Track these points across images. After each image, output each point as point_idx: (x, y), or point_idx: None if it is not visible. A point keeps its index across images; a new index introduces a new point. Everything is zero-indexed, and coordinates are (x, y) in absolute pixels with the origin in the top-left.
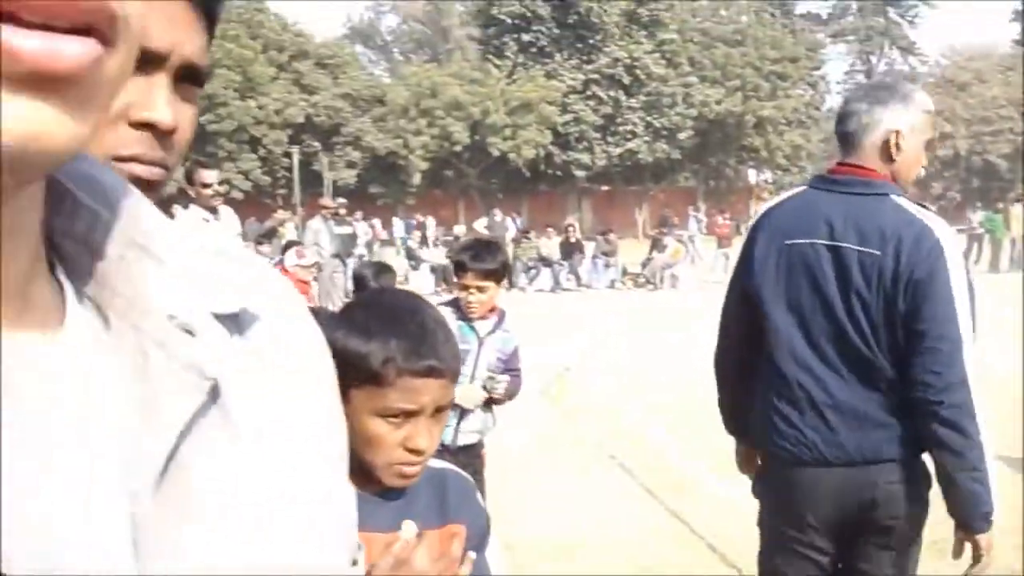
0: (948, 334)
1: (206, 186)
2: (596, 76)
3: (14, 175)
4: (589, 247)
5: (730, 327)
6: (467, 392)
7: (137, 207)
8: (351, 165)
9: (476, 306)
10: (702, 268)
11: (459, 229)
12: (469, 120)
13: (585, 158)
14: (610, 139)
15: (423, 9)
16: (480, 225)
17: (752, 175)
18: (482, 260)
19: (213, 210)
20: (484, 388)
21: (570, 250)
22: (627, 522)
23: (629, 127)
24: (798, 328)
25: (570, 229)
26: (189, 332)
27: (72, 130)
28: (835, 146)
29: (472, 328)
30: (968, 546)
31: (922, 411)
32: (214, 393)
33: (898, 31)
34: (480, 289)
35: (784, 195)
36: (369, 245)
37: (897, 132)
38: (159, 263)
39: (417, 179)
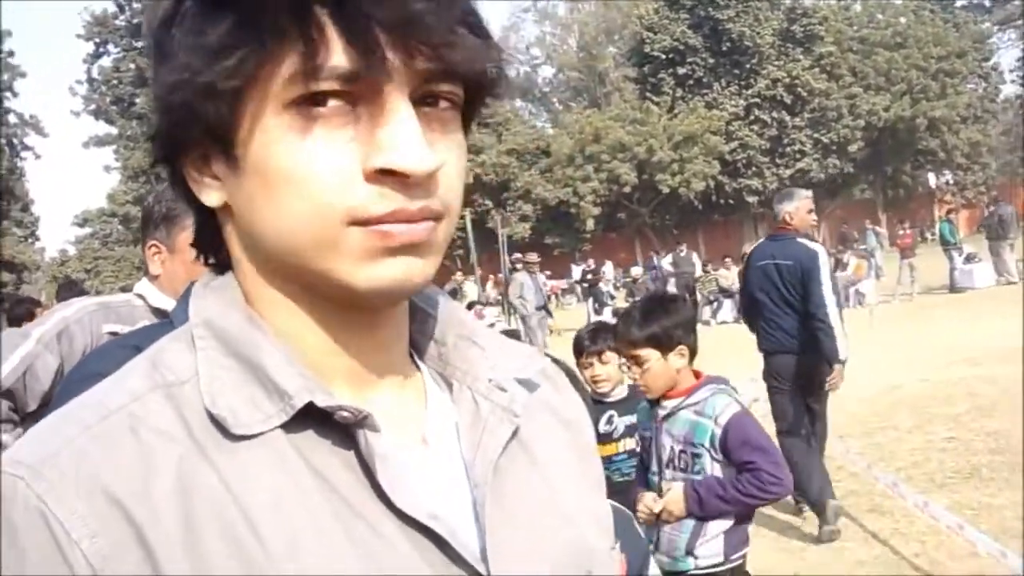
0: (820, 300)
1: None
2: (757, 100)
3: (395, 302)
4: None
5: (745, 301)
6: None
7: (454, 310)
8: (524, 219)
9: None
10: (887, 282)
11: (636, 271)
12: (635, 160)
13: (756, 183)
14: (779, 161)
15: (577, 56)
16: (666, 262)
17: (932, 179)
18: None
19: None
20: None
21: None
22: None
23: (797, 146)
24: (768, 298)
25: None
26: (503, 389)
27: (424, 272)
28: (1016, 137)
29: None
30: (836, 373)
31: (814, 326)
32: (517, 429)
33: None
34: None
35: (757, 242)
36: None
37: (789, 213)
38: (480, 348)
39: (590, 224)
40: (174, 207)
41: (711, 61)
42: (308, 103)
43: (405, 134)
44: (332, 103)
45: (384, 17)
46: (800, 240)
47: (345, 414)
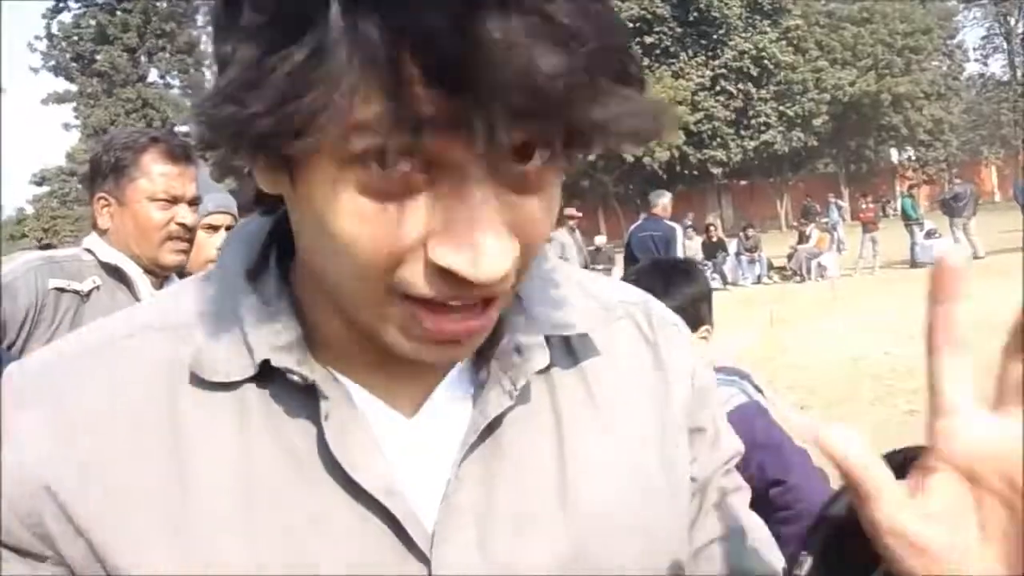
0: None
1: None
2: (723, 71)
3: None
4: (733, 244)
5: (629, 261)
6: None
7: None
8: None
9: None
10: (849, 255)
11: (600, 239)
12: None
13: (721, 154)
14: (744, 133)
15: None
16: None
17: (894, 154)
18: None
19: None
20: None
21: (713, 249)
22: None
23: (762, 119)
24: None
25: (711, 228)
26: (518, 351)
27: (475, 347)
28: (978, 116)
29: None
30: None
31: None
32: (546, 399)
33: None
34: None
35: (638, 222)
36: None
37: (663, 205)
38: (519, 300)
39: None
40: (123, 157)
41: (678, 31)
42: (375, 159)
43: (479, 236)
44: (403, 164)
45: (497, 77)
46: (666, 221)
47: (295, 377)
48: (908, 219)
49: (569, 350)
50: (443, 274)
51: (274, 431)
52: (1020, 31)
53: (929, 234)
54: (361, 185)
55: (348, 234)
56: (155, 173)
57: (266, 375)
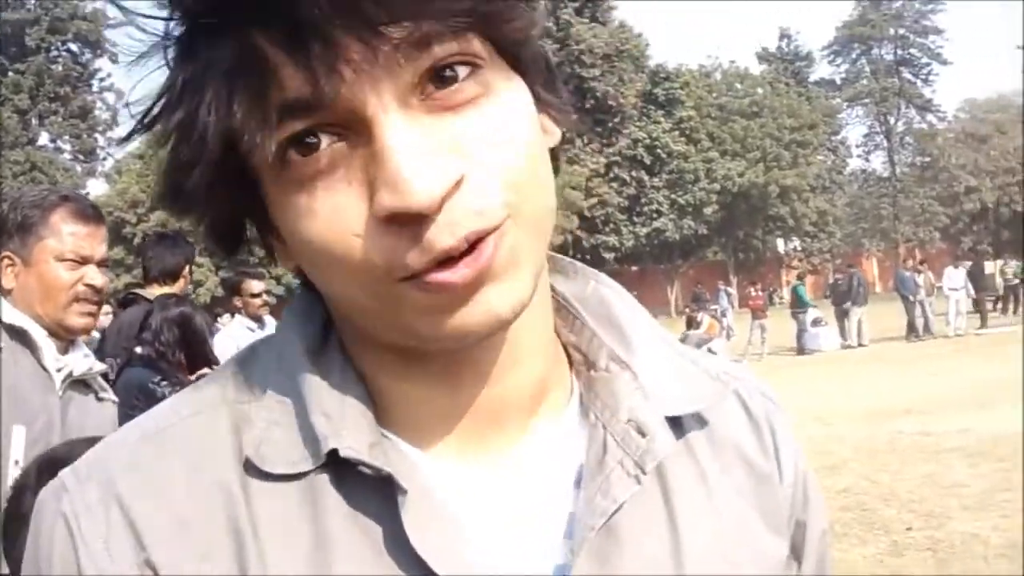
0: None
1: (255, 296)
2: (617, 158)
3: (485, 339)
4: None
5: None
6: None
7: (626, 327)
8: None
9: None
10: (737, 342)
11: None
12: None
13: (613, 240)
14: (636, 219)
15: None
16: None
17: (780, 244)
18: None
19: (259, 319)
20: None
21: None
22: None
23: (654, 206)
24: None
25: None
26: (641, 432)
27: (512, 296)
28: (859, 208)
29: None
30: None
31: None
32: (655, 481)
33: (913, 90)
34: None
35: None
36: None
37: None
38: (633, 376)
39: None
40: (31, 215)
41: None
42: (300, 151)
43: (392, 162)
44: (324, 145)
45: (314, 16)
46: None
47: (367, 470)
48: (799, 306)
49: (675, 422)
50: (396, 229)
51: (351, 519)
52: (899, 129)
53: (815, 322)
54: (299, 182)
55: (316, 234)
56: (64, 233)
57: (337, 461)
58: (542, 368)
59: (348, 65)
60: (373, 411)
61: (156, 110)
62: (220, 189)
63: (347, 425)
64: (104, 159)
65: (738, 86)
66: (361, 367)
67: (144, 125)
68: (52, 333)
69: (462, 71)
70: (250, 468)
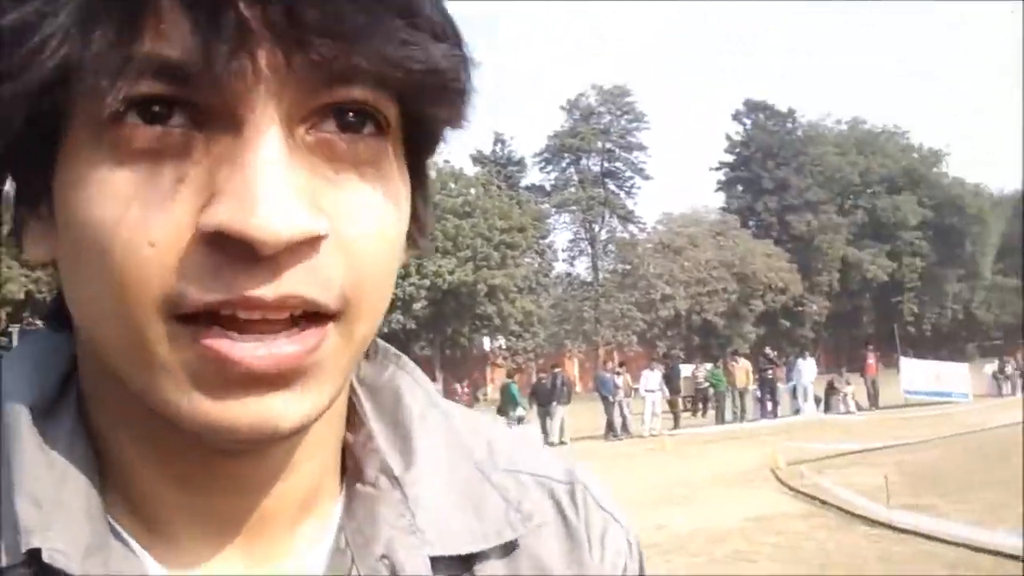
0: None
1: None
2: None
3: (253, 447)
4: None
5: None
6: None
7: (413, 430)
8: None
9: None
10: None
11: None
12: None
13: None
14: None
15: None
16: None
17: (487, 342)
18: None
19: None
20: None
21: None
22: None
23: None
24: None
25: None
26: (394, 574)
27: (301, 410)
28: (564, 311)
29: None
30: None
31: None
32: None
33: (617, 201)
34: None
35: None
36: None
37: None
38: (402, 498)
39: None
40: None
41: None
42: (143, 117)
43: (254, 179)
44: (176, 122)
45: None
46: None
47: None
48: (510, 404)
49: (455, 560)
50: (205, 251)
51: None
52: (603, 237)
53: (519, 420)
54: (120, 153)
55: (102, 223)
56: None
57: (42, 563)
58: (319, 473)
59: (249, 53)
60: (102, 496)
61: None
62: (18, 125)
63: (61, 518)
64: None
65: (452, 185)
66: (100, 432)
67: None
68: None
69: (368, 127)
70: None
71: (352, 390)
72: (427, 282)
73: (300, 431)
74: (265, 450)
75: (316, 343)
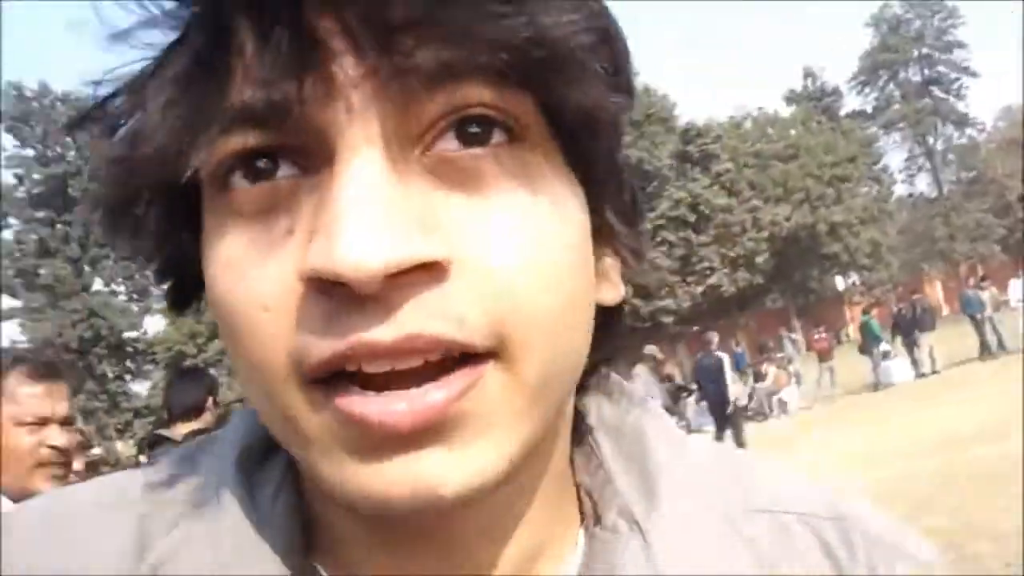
0: None
1: None
2: (662, 221)
3: (422, 519)
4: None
5: None
6: None
7: (658, 471)
8: None
9: None
10: (807, 387)
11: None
12: None
13: (669, 303)
14: (690, 279)
15: None
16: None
17: (839, 282)
18: None
19: None
20: None
21: (675, 396)
22: None
23: (705, 263)
24: None
25: (671, 377)
26: None
27: (465, 470)
28: (913, 234)
29: None
30: None
31: None
32: None
33: (947, 106)
34: None
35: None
36: None
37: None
38: (643, 544)
39: None
40: None
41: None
42: (247, 176)
43: (339, 207)
44: (282, 174)
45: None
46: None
47: None
48: (871, 340)
49: None
50: (326, 300)
51: None
52: (940, 148)
53: (885, 355)
54: (233, 217)
55: (223, 297)
56: (20, 395)
57: None
58: (541, 533)
59: (324, 73)
60: (303, 555)
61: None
62: (170, 216)
63: (258, 570)
64: (159, 296)
65: (770, 131)
66: (308, 488)
67: (88, 117)
68: (17, 502)
69: (497, 135)
70: None
71: (592, 432)
72: (765, 233)
73: (470, 498)
74: (464, 512)
75: (464, 387)
